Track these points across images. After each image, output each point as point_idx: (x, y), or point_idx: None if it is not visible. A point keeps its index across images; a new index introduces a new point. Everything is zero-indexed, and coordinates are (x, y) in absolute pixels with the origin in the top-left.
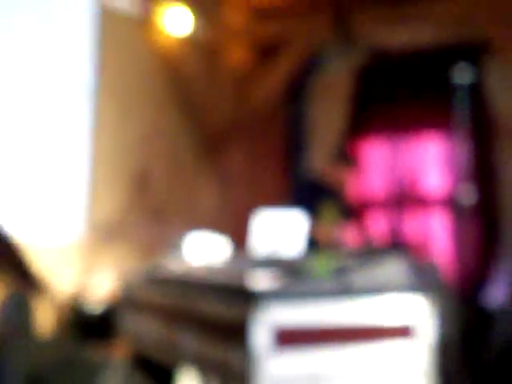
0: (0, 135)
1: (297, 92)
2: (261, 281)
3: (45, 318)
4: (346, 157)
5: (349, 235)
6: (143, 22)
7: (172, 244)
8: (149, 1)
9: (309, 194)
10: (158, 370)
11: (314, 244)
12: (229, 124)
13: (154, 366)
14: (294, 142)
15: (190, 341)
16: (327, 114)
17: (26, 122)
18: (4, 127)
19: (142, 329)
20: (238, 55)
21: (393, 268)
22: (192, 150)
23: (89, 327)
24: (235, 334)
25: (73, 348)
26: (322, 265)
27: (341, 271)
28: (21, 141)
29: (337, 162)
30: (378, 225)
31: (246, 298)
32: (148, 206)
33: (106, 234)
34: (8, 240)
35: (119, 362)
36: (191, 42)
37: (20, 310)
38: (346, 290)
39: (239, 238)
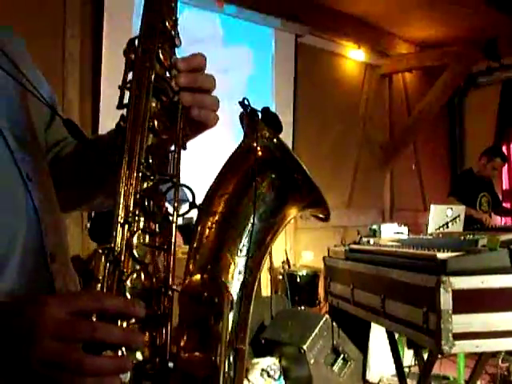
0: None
1: (454, 104)
2: (445, 253)
3: (265, 281)
4: (498, 155)
5: (501, 217)
6: (332, 53)
7: (366, 227)
8: (334, 36)
9: (467, 186)
10: (354, 324)
11: (473, 225)
12: (400, 133)
13: (351, 320)
14: (453, 144)
15: (382, 302)
16: (480, 120)
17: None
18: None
19: (342, 291)
20: (407, 78)
21: None
22: (372, 153)
23: (297, 289)
24: (423, 296)
25: (287, 304)
26: (491, 239)
27: (507, 244)
28: None
29: (490, 160)
30: None
31: (435, 267)
32: (339, 198)
33: (306, 219)
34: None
35: (323, 315)
36: (370, 68)
37: None
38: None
39: (413, 222)
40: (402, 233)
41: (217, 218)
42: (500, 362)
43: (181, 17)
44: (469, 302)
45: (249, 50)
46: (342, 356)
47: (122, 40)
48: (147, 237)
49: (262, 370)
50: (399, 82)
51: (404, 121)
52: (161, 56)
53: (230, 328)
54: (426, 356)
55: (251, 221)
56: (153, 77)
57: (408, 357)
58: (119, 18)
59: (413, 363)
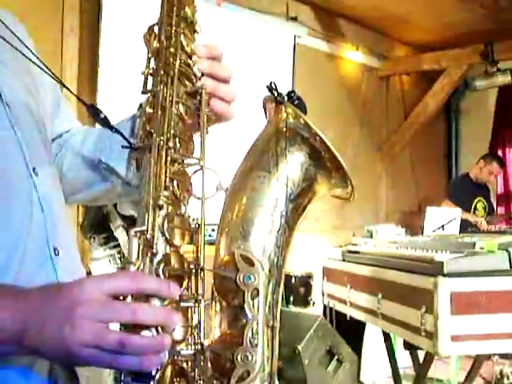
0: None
1: (451, 107)
2: (443, 255)
3: None
4: (496, 160)
5: (496, 220)
6: (330, 54)
7: (362, 228)
8: (333, 38)
9: (464, 190)
10: (349, 326)
11: (468, 228)
12: (397, 135)
13: (346, 321)
14: (449, 147)
15: (379, 303)
16: (476, 124)
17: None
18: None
19: (338, 292)
20: (404, 80)
21: None
22: (369, 154)
23: (292, 289)
24: (421, 297)
25: (282, 304)
26: (489, 242)
27: (505, 247)
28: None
29: (487, 163)
30: None
31: (433, 268)
32: (334, 199)
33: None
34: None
35: (318, 316)
36: (368, 70)
37: None
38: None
39: (408, 224)
40: (399, 234)
41: (246, 198)
42: (494, 364)
43: None
44: (466, 303)
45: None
46: (336, 357)
47: (119, 32)
48: (176, 219)
49: None
50: (397, 84)
51: (401, 123)
52: (183, 42)
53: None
54: (421, 357)
55: (282, 200)
56: (177, 63)
57: (402, 358)
58: (118, 12)
59: (407, 365)
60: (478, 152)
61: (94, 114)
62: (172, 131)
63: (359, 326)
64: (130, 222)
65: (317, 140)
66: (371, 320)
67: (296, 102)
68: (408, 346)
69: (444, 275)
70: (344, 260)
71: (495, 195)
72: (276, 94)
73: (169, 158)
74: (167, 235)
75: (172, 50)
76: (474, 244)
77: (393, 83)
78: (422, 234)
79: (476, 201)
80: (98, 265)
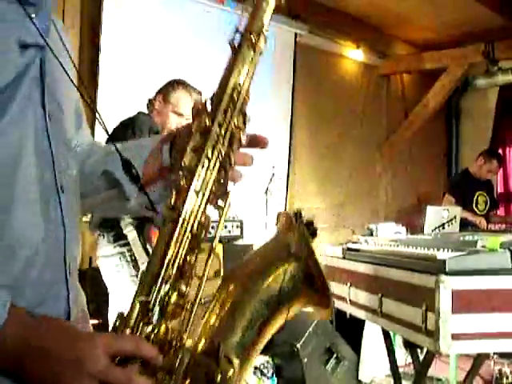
0: None
1: (451, 106)
2: (445, 253)
3: None
4: (495, 157)
5: (498, 220)
6: (331, 53)
7: (362, 226)
8: (334, 36)
9: (464, 185)
10: (348, 324)
11: (468, 226)
12: (397, 133)
13: (345, 319)
14: (449, 146)
15: (380, 301)
16: (476, 122)
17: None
18: None
19: (338, 290)
20: (405, 79)
21: None
22: (369, 153)
23: None
24: (422, 296)
25: None
26: (492, 240)
27: (507, 245)
28: None
29: (487, 161)
30: None
31: (435, 267)
32: (334, 197)
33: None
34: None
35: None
36: (368, 68)
37: None
38: None
39: (407, 223)
40: (400, 232)
41: (237, 294)
42: (492, 364)
43: (184, 10)
44: (468, 302)
45: None
46: (335, 355)
47: (120, 31)
48: (175, 294)
49: (255, 368)
50: (397, 83)
51: (401, 122)
52: (234, 135)
53: None
54: (420, 356)
55: (268, 307)
56: (223, 152)
57: (400, 357)
58: (119, 9)
59: (404, 363)
60: (479, 151)
61: (128, 168)
62: (199, 214)
63: (358, 325)
64: (139, 219)
65: (316, 267)
66: (372, 318)
67: (310, 229)
68: (408, 344)
69: (446, 273)
70: (344, 258)
71: (495, 194)
72: (298, 223)
73: (187, 239)
74: (164, 310)
75: (222, 141)
76: (476, 242)
77: (393, 82)
78: (422, 232)
79: (477, 195)
80: (107, 262)
